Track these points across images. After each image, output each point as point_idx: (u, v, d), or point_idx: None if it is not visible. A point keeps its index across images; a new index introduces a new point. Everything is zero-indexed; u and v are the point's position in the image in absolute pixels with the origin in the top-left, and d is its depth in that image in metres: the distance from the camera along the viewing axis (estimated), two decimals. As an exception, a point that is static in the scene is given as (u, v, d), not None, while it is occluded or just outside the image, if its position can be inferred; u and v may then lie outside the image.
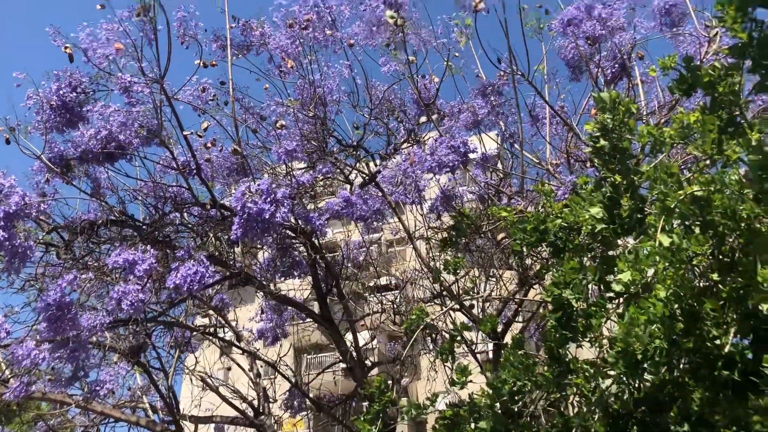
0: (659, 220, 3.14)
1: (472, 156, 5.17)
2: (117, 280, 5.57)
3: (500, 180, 6.90)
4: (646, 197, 3.48)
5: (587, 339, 4.24)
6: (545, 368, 4.59)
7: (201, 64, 6.60)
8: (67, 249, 5.78)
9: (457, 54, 6.57)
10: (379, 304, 9.18)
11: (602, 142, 3.54)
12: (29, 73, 5.69)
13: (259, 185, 4.88)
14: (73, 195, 6.44)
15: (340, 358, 11.37)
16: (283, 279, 8.15)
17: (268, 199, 4.85)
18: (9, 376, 6.58)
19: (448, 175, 6.31)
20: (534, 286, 7.02)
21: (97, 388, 5.21)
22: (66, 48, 5.50)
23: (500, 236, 6.45)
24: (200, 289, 5.03)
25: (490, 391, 4.73)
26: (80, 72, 5.79)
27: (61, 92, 5.65)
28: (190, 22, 6.15)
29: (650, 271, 3.00)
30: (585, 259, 4.75)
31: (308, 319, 10.48)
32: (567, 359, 4.58)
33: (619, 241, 3.75)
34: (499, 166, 7.71)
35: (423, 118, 6.66)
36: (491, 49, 8.64)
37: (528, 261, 6.20)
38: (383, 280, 9.66)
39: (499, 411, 4.41)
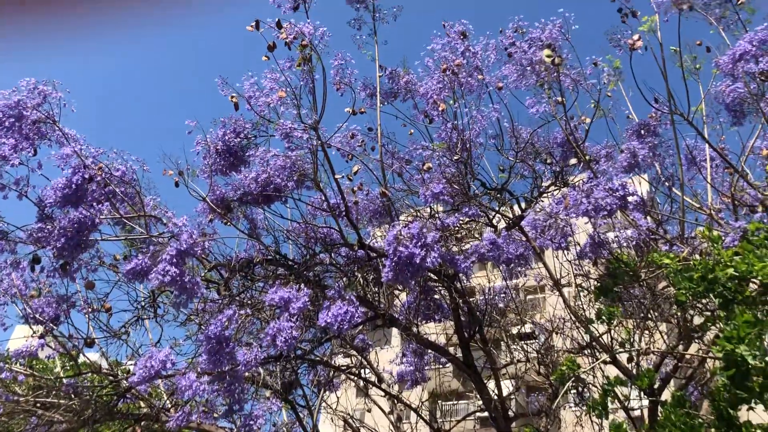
0: None
1: (630, 199, 4.93)
2: (270, 317, 5.82)
3: (657, 225, 6.52)
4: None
5: (765, 400, 3.83)
6: (712, 430, 4.20)
7: (351, 112, 6.86)
8: (226, 286, 6.13)
9: (609, 94, 6.37)
10: (522, 353, 8.89)
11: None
12: (199, 121, 6.20)
13: (409, 229, 4.93)
14: (231, 235, 6.88)
15: (481, 406, 11.08)
16: (424, 322, 8.13)
17: (419, 244, 4.88)
18: (170, 406, 7.01)
19: (596, 220, 6.06)
20: (696, 341, 6.50)
21: (251, 422, 5.43)
22: (232, 97, 5.93)
23: (661, 285, 6.06)
24: (349, 328, 5.11)
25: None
26: (243, 119, 6.21)
27: (226, 137, 6.09)
28: (346, 70, 6.44)
29: None
30: (758, 313, 4.34)
31: (448, 365, 10.35)
32: (738, 422, 4.15)
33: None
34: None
35: (573, 160, 6.47)
36: (647, 88, 8.28)
37: (690, 313, 5.77)
38: (526, 328, 9.36)
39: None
